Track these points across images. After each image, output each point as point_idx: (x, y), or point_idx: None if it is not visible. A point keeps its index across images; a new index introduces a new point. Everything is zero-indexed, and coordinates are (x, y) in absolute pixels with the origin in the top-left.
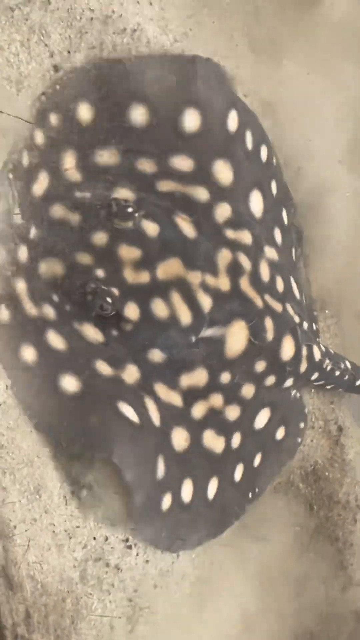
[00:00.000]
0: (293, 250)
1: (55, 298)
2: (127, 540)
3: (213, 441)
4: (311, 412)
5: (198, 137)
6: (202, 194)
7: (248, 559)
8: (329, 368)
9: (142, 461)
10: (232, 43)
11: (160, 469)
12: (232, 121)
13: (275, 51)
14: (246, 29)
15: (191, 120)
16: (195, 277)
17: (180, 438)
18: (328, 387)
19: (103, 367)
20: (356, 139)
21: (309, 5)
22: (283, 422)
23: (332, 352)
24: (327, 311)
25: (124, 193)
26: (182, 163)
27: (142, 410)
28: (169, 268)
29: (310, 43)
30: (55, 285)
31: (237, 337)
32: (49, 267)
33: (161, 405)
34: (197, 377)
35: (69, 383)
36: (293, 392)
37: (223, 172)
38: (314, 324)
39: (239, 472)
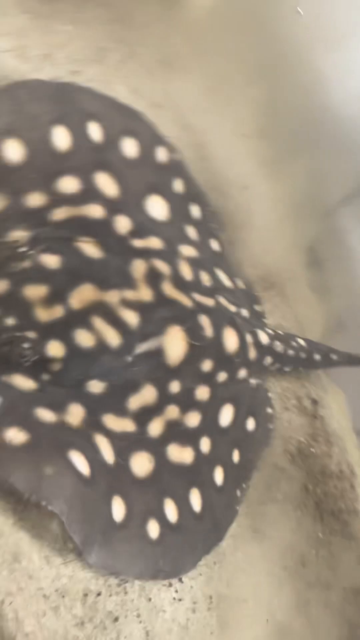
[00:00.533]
0: (215, 241)
1: None
2: (122, 583)
3: (180, 454)
4: (281, 394)
5: (72, 154)
6: (96, 211)
7: (258, 560)
8: (280, 349)
9: (92, 517)
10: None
11: (119, 510)
12: (95, 132)
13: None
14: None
15: (60, 140)
16: (112, 297)
17: (142, 463)
18: (287, 368)
19: (45, 414)
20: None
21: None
22: (250, 412)
23: (281, 333)
24: (272, 291)
25: (17, 235)
26: (68, 185)
27: (92, 454)
28: (82, 295)
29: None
30: None
31: (175, 344)
32: None
33: (113, 437)
34: (146, 395)
35: (15, 436)
36: (252, 381)
37: (107, 185)
38: (256, 307)
39: (219, 476)
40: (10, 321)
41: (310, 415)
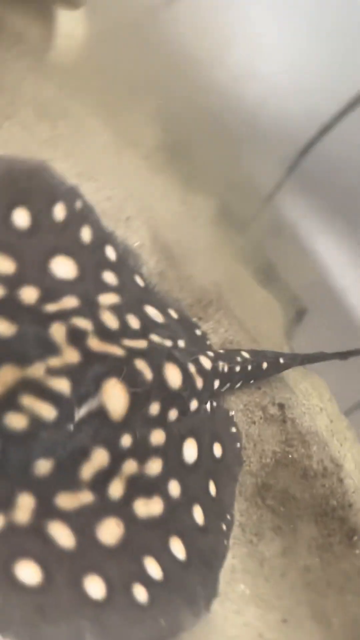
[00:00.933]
0: (138, 277)
1: None
2: None
3: (147, 508)
4: (245, 409)
5: None
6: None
7: (263, 586)
8: (226, 369)
9: (64, 615)
10: None
11: (97, 588)
12: None
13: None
14: None
15: None
16: (37, 370)
17: (110, 530)
18: (237, 385)
19: None
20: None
21: None
22: (214, 439)
23: (223, 351)
24: (210, 309)
25: None
26: None
27: (45, 551)
28: (3, 378)
29: None
30: None
31: (115, 397)
32: None
33: (70, 517)
34: (97, 459)
35: None
36: (207, 407)
37: (1, 263)
38: (196, 331)
39: (198, 515)
40: None
41: (279, 421)
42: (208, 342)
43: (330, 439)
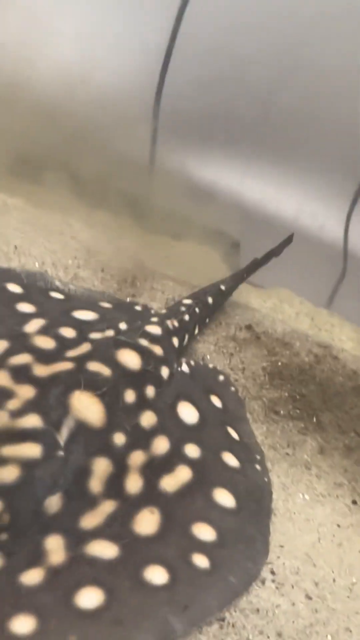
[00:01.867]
0: (52, 293)
1: None
2: (221, 620)
3: (176, 479)
4: (218, 349)
5: None
6: None
7: (317, 480)
8: (176, 324)
9: (142, 616)
10: None
11: (159, 576)
12: None
13: None
14: None
15: None
16: (0, 419)
17: (146, 521)
18: (197, 332)
19: (32, 577)
20: None
21: None
22: (207, 392)
23: (165, 311)
24: (138, 283)
25: None
26: None
27: (95, 571)
28: None
29: None
30: None
31: (85, 407)
32: None
33: (102, 531)
34: (101, 468)
35: (22, 626)
36: (182, 368)
37: None
38: (136, 307)
39: (230, 459)
40: None
41: (253, 340)
42: (152, 311)
43: (318, 333)
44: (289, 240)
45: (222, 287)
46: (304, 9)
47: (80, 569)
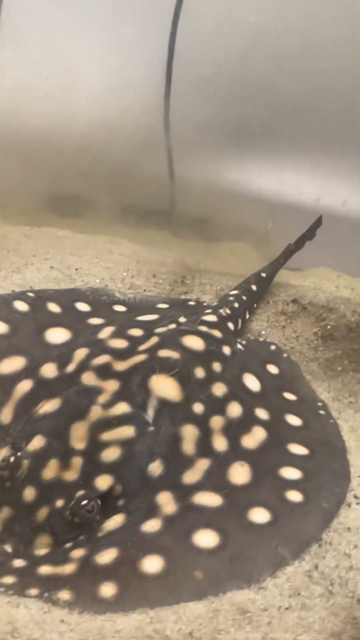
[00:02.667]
0: (115, 306)
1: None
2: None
3: (253, 438)
4: (269, 324)
5: None
6: (25, 385)
7: None
8: (229, 311)
9: (255, 550)
10: None
11: (261, 516)
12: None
13: None
14: None
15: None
16: (95, 412)
17: (237, 473)
18: (248, 316)
19: (150, 526)
20: None
21: None
22: (264, 363)
23: (216, 303)
24: (188, 281)
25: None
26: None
27: (205, 516)
28: (78, 433)
29: None
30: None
31: (163, 387)
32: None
33: (203, 484)
34: (189, 434)
35: (153, 565)
36: (238, 346)
37: (12, 363)
38: (189, 303)
39: (293, 419)
40: (59, 503)
41: (301, 310)
42: (205, 304)
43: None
44: (318, 222)
45: (263, 275)
46: None
47: (192, 516)
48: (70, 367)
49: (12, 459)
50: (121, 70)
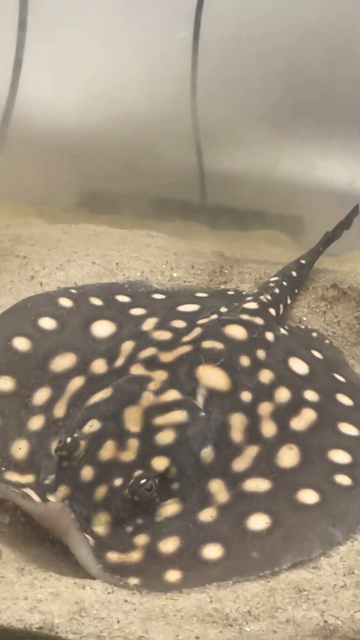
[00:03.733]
0: (155, 295)
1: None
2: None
3: (303, 420)
4: (310, 310)
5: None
6: (77, 382)
7: None
8: (269, 297)
9: (306, 529)
10: None
11: (310, 497)
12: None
13: None
14: None
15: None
16: (147, 398)
17: (287, 456)
18: (289, 302)
19: (206, 514)
20: None
21: None
22: (307, 349)
23: (257, 290)
24: (226, 270)
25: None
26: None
27: (255, 501)
28: (131, 417)
29: None
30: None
31: (211, 376)
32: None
33: (253, 470)
34: (237, 421)
35: (213, 552)
36: (281, 332)
37: (64, 360)
38: (228, 292)
39: (344, 399)
40: (117, 482)
41: (341, 295)
42: (243, 293)
43: None
44: (355, 211)
45: (302, 261)
46: None
47: (244, 503)
48: (119, 362)
49: (68, 439)
50: (147, 63)
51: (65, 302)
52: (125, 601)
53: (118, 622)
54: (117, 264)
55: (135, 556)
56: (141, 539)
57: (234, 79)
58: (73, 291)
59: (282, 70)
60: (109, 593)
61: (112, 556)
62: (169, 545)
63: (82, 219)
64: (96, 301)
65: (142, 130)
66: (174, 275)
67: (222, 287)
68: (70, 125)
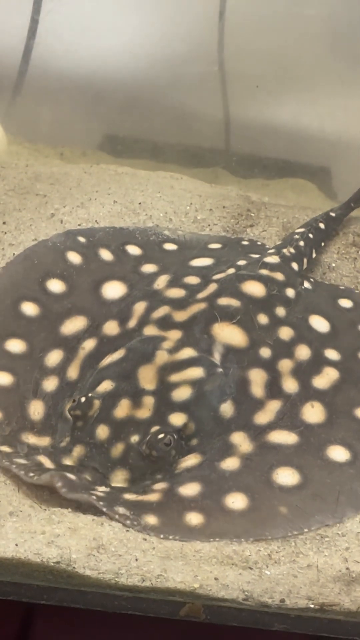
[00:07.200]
0: (166, 245)
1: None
2: None
3: (326, 378)
4: (340, 256)
5: None
6: (89, 344)
7: None
8: (293, 250)
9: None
10: None
11: (340, 454)
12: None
13: None
14: None
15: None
16: (161, 356)
17: (311, 412)
18: (314, 255)
19: (230, 464)
20: None
21: None
22: (335, 299)
23: (280, 242)
24: (253, 213)
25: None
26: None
27: (282, 454)
28: (146, 375)
29: None
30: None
31: (227, 334)
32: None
33: (276, 423)
34: (257, 377)
35: (237, 501)
36: (305, 286)
37: (75, 322)
38: (243, 242)
39: None
40: (134, 438)
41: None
42: (258, 243)
43: None
44: None
45: (332, 214)
46: None
47: (270, 454)
48: (132, 323)
49: (82, 399)
50: (175, 10)
51: (74, 258)
52: (144, 539)
53: (136, 559)
54: (139, 203)
55: (153, 497)
56: (160, 486)
57: (261, 27)
58: (81, 239)
59: (310, 20)
60: (127, 530)
61: (130, 496)
62: (189, 490)
63: (104, 161)
64: (106, 255)
65: (168, 75)
66: (198, 217)
67: (249, 230)
68: (92, 67)
